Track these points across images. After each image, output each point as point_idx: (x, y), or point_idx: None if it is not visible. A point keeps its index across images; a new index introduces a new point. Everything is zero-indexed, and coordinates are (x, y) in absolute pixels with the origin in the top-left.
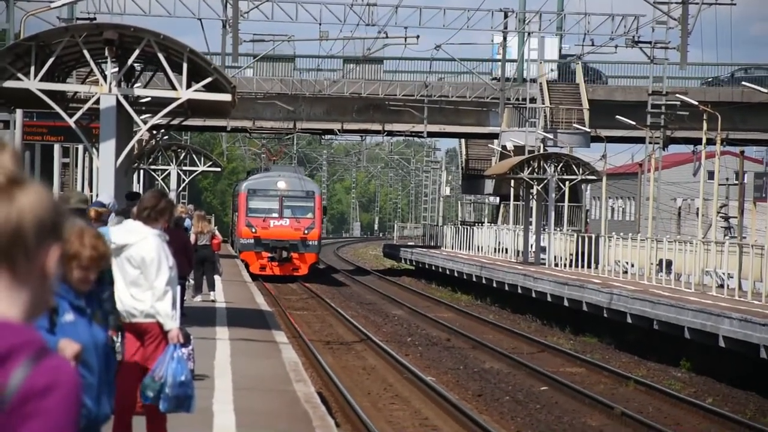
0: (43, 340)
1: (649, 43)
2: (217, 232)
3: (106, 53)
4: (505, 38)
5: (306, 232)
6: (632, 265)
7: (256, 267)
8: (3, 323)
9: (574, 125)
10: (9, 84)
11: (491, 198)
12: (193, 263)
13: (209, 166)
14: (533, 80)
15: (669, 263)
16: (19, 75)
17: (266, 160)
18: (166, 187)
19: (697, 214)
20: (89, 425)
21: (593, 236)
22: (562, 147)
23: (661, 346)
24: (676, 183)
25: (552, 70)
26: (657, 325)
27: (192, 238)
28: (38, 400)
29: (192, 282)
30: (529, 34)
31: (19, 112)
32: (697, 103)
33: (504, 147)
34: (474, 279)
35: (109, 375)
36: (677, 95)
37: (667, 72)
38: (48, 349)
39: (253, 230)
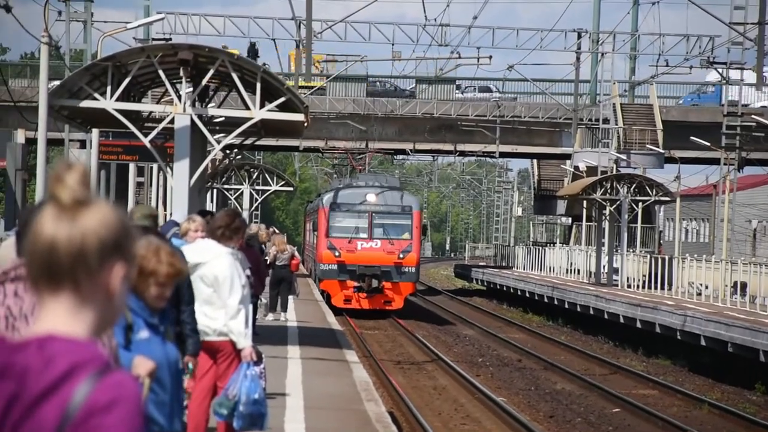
0: (108, 356)
1: (725, 63)
2: (296, 253)
3: (181, 73)
4: (578, 59)
5: (401, 256)
6: (706, 287)
7: (339, 299)
8: (68, 340)
9: (648, 146)
10: (86, 104)
11: (563, 219)
12: (264, 282)
13: (282, 186)
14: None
15: (744, 285)
16: (96, 95)
17: (350, 169)
18: (238, 206)
19: None
20: None
21: (667, 257)
22: (635, 168)
23: (736, 368)
24: (751, 204)
25: (625, 91)
26: (731, 347)
27: (271, 256)
28: (101, 416)
29: (264, 301)
30: (602, 54)
31: (95, 132)
32: None
33: (576, 168)
34: (546, 300)
35: (180, 393)
36: (753, 116)
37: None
38: (112, 366)
39: (337, 254)
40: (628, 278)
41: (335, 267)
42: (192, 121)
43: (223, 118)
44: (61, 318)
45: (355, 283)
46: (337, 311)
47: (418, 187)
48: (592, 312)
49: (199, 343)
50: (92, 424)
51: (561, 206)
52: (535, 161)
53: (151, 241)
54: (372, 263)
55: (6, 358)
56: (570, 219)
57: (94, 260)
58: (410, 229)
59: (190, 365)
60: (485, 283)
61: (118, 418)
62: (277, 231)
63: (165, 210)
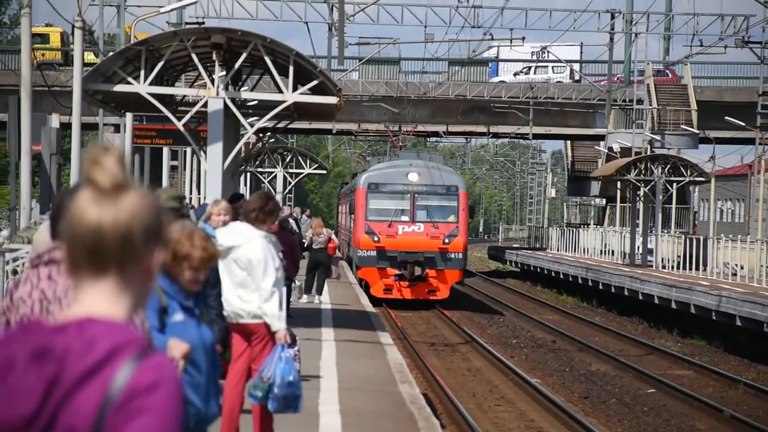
0: (147, 338)
1: (759, 43)
2: (333, 236)
3: (214, 57)
4: (612, 39)
5: (447, 241)
6: (741, 268)
7: (379, 288)
8: (108, 323)
9: (682, 126)
10: (120, 88)
11: (597, 200)
12: (298, 265)
13: (315, 169)
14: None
15: None
16: (129, 79)
17: (390, 147)
18: (272, 190)
19: None
20: (198, 424)
21: (701, 238)
22: (669, 148)
23: None
24: None
25: (659, 72)
26: (767, 327)
27: (308, 239)
28: (143, 397)
29: (298, 284)
30: (636, 35)
31: (129, 116)
32: None
33: (610, 149)
34: (580, 281)
35: (216, 375)
36: None
37: None
38: (152, 348)
39: (375, 239)
40: (662, 259)
41: (374, 253)
42: (225, 104)
43: (256, 102)
44: (101, 301)
45: (396, 271)
46: (376, 302)
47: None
48: (626, 293)
49: (224, 329)
50: (134, 405)
51: (595, 187)
52: (568, 142)
53: (185, 226)
54: (414, 249)
55: (46, 341)
56: (604, 200)
57: (139, 244)
58: (456, 211)
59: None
60: (519, 265)
61: (160, 400)
62: (319, 218)
63: (199, 194)
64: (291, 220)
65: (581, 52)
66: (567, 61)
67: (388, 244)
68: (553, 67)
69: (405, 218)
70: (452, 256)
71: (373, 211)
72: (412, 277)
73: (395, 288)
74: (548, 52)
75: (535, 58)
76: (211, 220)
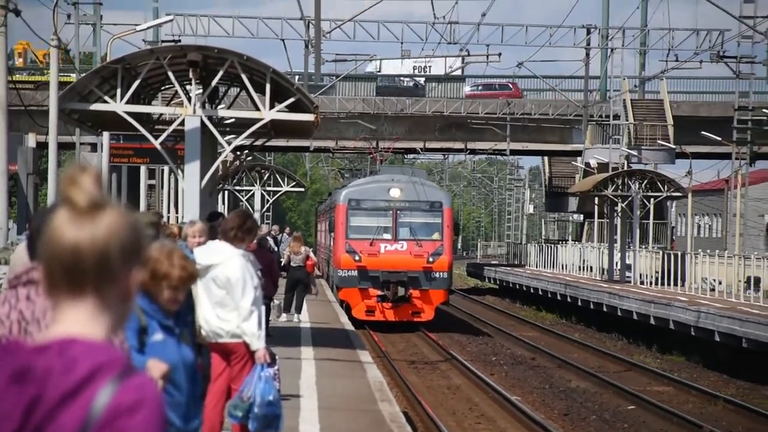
0: (128, 359)
1: (735, 58)
2: (311, 254)
3: (191, 75)
4: (587, 54)
5: (431, 259)
6: (720, 283)
7: (360, 310)
8: (89, 343)
9: (659, 141)
10: (96, 107)
11: (575, 216)
12: (277, 283)
13: (293, 186)
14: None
15: (757, 280)
16: (106, 98)
17: (371, 161)
18: (250, 208)
19: None
20: None
21: (679, 253)
22: (646, 164)
23: (751, 364)
24: (764, 199)
25: (636, 87)
26: (746, 343)
27: (285, 258)
28: (125, 418)
29: (276, 302)
30: (612, 50)
31: (106, 135)
32: None
33: (587, 164)
34: (558, 297)
35: (196, 393)
36: (763, 110)
37: (753, 87)
38: (133, 368)
39: (356, 258)
40: (641, 275)
41: (355, 273)
42: (202, 122)
43: (233, 120)
44: (80, 321)
45: (379, 292)
46: (358, 324)
47: None
48: (605, 309)
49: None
50: (117, 426)
51: (573, 203)
52: (546, 158)
53: (164, 245)
54: (397, 268)
55: (26, 362)
56: (582, 216)
57: (117, 264)
58: (441, 229)
59: None
60: (498, 282)
61: (142, 420)
62: (295, 233)
63: (177, 213)
64: (269, 239)
65: (463, 64)
66: (543, 77)
67: (369, 264)
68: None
69: (387, 236)
70: (437, 275)
71: (354, 228)
72: (395, 298)
73: (378, 310)
74: (429, 66)
75: (416, 72)
76: (187, 242)
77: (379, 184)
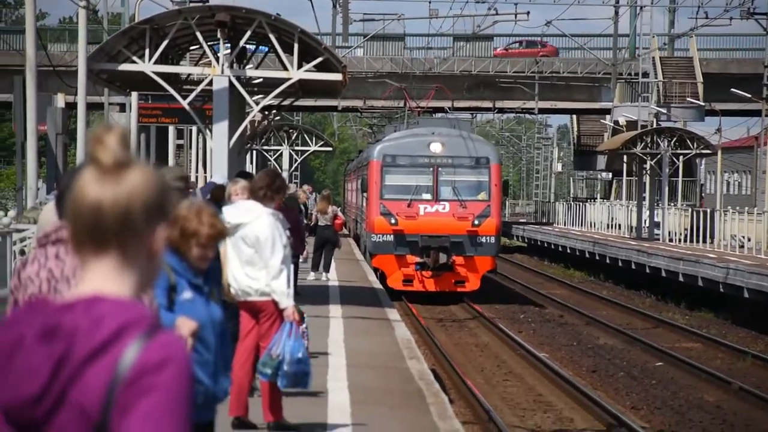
0: (155, 316)
1: (765, 14)
2: (339, 213)
3: (219, 35)
4: (616, 12)
5: (477, 222)
6: (749, 240)
7: (397, 279)
8: (116, 301)
9: (688, 99)
10: (124, 67)
11: (604, 174)
12: (305, 242)
13: (321, 146)
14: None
15: None
16: (134, 58)
17: (409, 112)
18: (278, 167)
19: None
20: (206, 402)
21: (708, 211)
22: (675, 121)
23: None
24: None
25: (665, 44)
26: None
27: (313, 218)
28: (152, 375)
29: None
30: (641, 8)
31: (134, 95)
32: None
33: (616, 122)
34: (587, 255)
35: (225, 352)
36: None
37: None
38: (160, 325)
39: (393, 221)
40: (669, 232)
41: (391, 238)
42: (230, 82)
43: (261, 80)
44: (106, 279)
45: (418, 259)
46: (394, 295)
47: None
48: (633, 266)
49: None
50: (144, 383)
51: (601, 161)
52: (574, 117)
53: (192, 203)
54: (439, 232)
55: (54, 319)
56: (610, 174)
57: (140, 222)
58: (488, 187)
59: None
60: (526, 240)
61: (169, 377)
62: (323, 192)
63: (205, 172)
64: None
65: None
66: (572, 35)
67: (407, 227)
68: None
69: (427, 196)
70: (483, 240)
71: (390, 188)
72: (435, 266)
73: (416, 279)
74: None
75: None
76: (232, 199)
77: (417, 137)
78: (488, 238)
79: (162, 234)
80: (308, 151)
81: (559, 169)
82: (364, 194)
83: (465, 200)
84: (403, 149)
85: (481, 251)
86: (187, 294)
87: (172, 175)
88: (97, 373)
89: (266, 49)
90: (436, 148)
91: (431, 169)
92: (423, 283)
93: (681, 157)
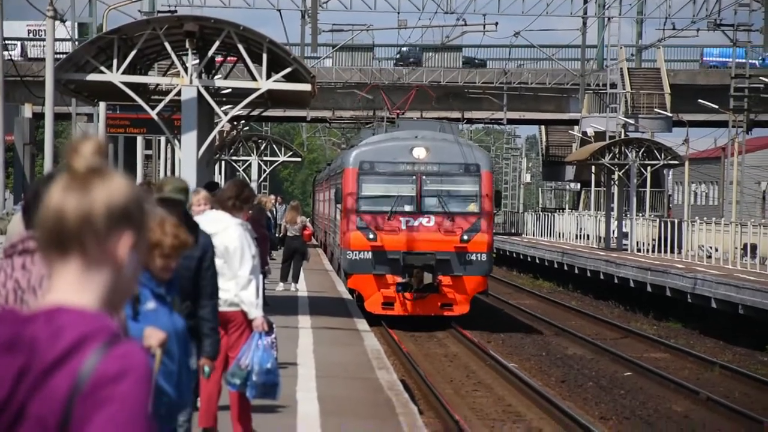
0: (117, 327)
1: (732, 26)
2: (308, 223)
3: (187, 45)
4: (584, 23)
5: (466, 238)
6: (716, 250)
7: (376, 302)
8: (77, 312)
9: (656, 110)
10: (92, 77)
11: (572, 184)
12: (270, 253)
13: (290, 156)
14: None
15: (754, 247)
16: (102, 68)
17: (386, 111)
18: (247, 178)
19: None
20: (170, 412)
21: (676, 221)
22: (643, 132)
23: (747, 330)
24: (760, 166)
25: (632, 55)
26: (742, 309)
27: (282, 229)
28: (112, 386)
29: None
30: (609, 19)
31: (102, 105)
32: None
33: (584, 133)
34: (555, 265)
35: (188, 362)
36: (760, 78)
37: (750, 54)
38: (120, 336)
39: (371, 236)
40: (637, 242)
41: (369, 255)
42: (199, 92)
43: (229, 90)
44: (69, 288)
45: (399, 279)
46: (373, 319)
47: None
48: (602, 277)
49: (218, 344)
50: (102, 394)
51: (569, 172)
52: (543, 127)
53: (155, 213)
54: (423, 249)
55: (16, 330)
56: (579, 184)
57: (101, 226)
58: (478, 198)
59: (207, 368)
60: (495, 250)
61: (127, 388)
62: (292, 203)
63: None
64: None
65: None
66: (540, 46)
67: (387, 243)
68: None
69: (410, 208)
70: (473, 257)
71: (367, 199)
72: (419, 287)
73: (398, 301)
74: None
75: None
76: (192, 210)
77: (398, 141)
78: (479, 255)
79: (128, 242)
80: (277, 161)
81: (528, 179)
82: (338, 206)
83: (452, 213)
84: (383, 155)
85: (471, 270)
86: (150, 304)
87: (172, 187)
88: (57, 384)
89: (235, 58)
90: (419, 153)
91: (414, 177)
92: (405, 307)
93: (649, 168)
